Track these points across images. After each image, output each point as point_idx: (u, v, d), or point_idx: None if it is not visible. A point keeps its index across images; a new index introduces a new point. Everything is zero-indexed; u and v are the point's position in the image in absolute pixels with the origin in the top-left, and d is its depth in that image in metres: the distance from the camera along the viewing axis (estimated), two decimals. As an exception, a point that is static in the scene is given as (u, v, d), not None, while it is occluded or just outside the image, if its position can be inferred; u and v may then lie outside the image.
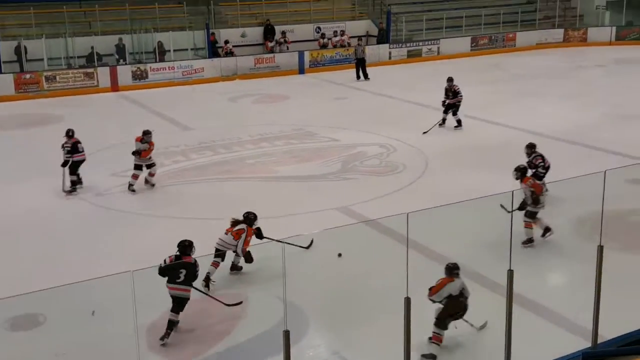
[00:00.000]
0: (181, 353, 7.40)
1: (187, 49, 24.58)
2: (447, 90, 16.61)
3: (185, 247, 7.64)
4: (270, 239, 8.42)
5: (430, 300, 6.88)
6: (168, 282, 7.45)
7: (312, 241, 9.39)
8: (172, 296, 7.46)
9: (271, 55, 25.27)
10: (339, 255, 9.10)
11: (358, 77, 23.79)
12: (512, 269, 5.95)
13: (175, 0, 25.83)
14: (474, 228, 9.61)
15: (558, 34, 30.30)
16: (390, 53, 26.93)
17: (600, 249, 6.31)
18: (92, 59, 22.86)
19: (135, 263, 5.82)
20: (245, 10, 26.78)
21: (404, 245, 5.74)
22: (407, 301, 5.64)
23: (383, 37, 27.11)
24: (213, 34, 25.05)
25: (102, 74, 22.49)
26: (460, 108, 16.51)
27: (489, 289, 7.96)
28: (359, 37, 26.36)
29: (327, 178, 13.25)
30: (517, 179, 9.81)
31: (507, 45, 29.33)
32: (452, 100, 16.48)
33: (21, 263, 9.65)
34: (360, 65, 23.85)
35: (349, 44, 26.44)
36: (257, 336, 7.56)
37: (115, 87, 22.55)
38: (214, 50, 24.85)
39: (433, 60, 27.27)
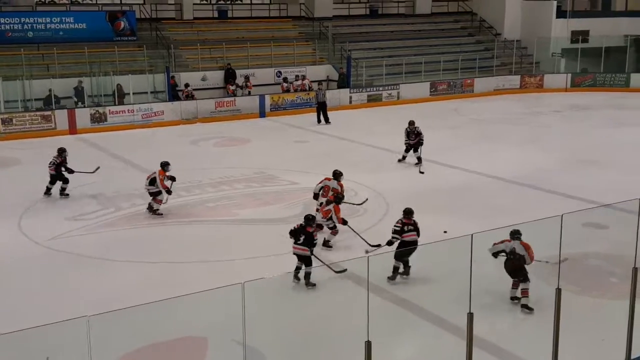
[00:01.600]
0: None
1: (146, 92, 24.51)
2: (409, 133, 17.38)
3: (309, 220, 10.18)
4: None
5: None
6: (294, 243, 9.98)
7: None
8: (295, 254, 9.97)
9: (232, 98, 25.36)
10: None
11: (319, 121, 23.99)
12: (472, 312, 5.95)
13: (135, 44, 25.87)
14: (435, 271, 9.63)
15: (515, 80, 31.10)
16: (350, 97, 27.26)
17: (558, 292, 6.36)
18: (49, 102, 22.63)
19: (92, 308, 5.67)
20: (206, 54, 26.93)
21: (364, 288, 5.71)
22: (368, 345, 5.60)
23: (343, 82, 27.48)
24: (173, 77, 25.07)
25: (60, 117, 22.25)
26: (423, 151, 16.79)
27: (450, 332, 7.94)
28: (320, 82, 26.67)
29: (288, 221, 13.17)
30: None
31: (466, 90, 29.95)
32: (414, 141, 17.25)
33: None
34: (322, 109, 24.09)
35: (310, 88, 26.70)
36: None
37: (73, 129, 22.29)
38: (174, 93, 24.84)
39: (393, 105, 27.68)
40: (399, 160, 17.70)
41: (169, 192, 13.62)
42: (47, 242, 12.01)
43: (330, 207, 11.55)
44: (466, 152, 18.33)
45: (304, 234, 9.99)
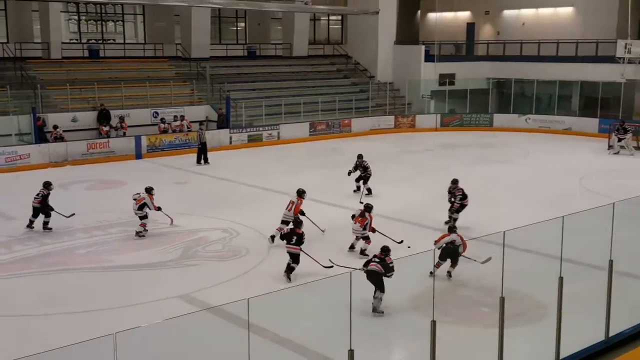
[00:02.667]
0: None
1: (10, 134, 23.33)
2: (357, 166, 18.77)
3: (298, 223, 12.40)
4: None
5: None
6: (287, 243, 11.96)
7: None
8: (288, 252, 11.93)
9: (105, 140, 24.58)
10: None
11: (199, 161, 23.76)
12: (352, 348, 6.02)
13: (-2, 84, 24.67)
14: (316, 309, 9.68)
15: (389, 120, 32.25)
16: (231, 138, 27.22)
17: (433, 323, 6.56)
18: None
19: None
20: (76, 94, 26.04)
21: (247, 330, 5.65)
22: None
23: (223, 122, 27.41)
24: (40, 118, 23.96)
25: None
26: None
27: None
28: (201, 122, 26.53)
29: (167, 265, 12.89)
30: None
31: (344, 130, 30.70)
32: (363, 174, 18.62)
33: None
34: (203, 149, 23.93)
35: (189, 129, 26.44)
36: None
37: None
38: (41, 135, 23.75)
39: (274, 145, 27.89)
40: (354, 191, 18.67)
41: (159, 209, 15.06)
42: None
43: (366, 215, 13.14)
44: (345, 190, 18.66)
45: (295, 235, 11.92)
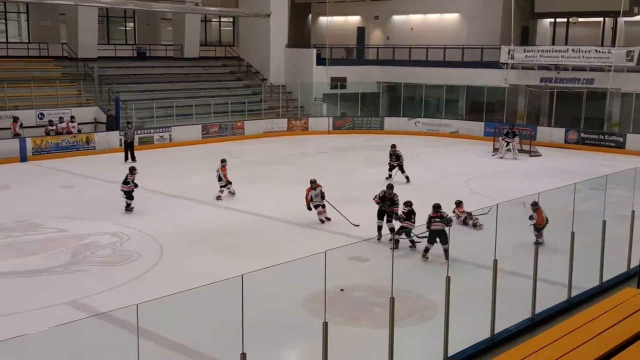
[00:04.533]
0: None
1: None
2: (391, 155, 20.72)
3: (409, 203, 13.85)
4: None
5: None
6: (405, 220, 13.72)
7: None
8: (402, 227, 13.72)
9: (-14, 142, 23.46)
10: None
11: (126, 159, 23.84)
12: (244, 352, 6.15)
13: None
14: (210, 314, 9.73)
15: (282, 123, 32.49)
16: (120, 140, 26.56)
17: (325, 325, 6.78)
18: None
19: None
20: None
21: (140, 336, 5.67)
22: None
23: (112, 124, 26.76)
24: None
25: None
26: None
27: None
28: (128, 122, 26.31)
29: (54, 271, 12.52)
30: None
31: (237, 133, 30.66)
32: (395, 162, 20.51)
33: None
34: (129, 147, 24.08)
35: (79, 131, 25.69)
36: None
37: None
38: None
39: (165, 148, 27.48)
40: (387, 178, 20.14)
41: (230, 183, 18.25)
42: None
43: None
44: (238, 193, 18.71)
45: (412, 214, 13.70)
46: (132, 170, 17.21)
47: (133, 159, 23.92)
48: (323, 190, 16.02)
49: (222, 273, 11.77)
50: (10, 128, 24.63)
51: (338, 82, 34.42)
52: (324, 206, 16.00)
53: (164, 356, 8.73)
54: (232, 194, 18.41)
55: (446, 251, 12.05)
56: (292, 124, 32.69)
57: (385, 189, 14.63)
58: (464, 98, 33.97)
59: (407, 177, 20.48)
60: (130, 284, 11.88)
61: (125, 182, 16.93)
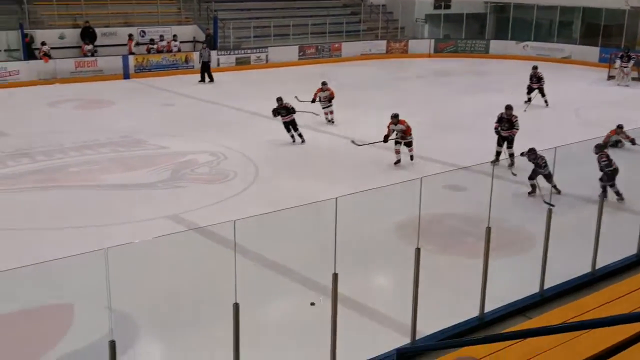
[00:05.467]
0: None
1: (0, 50, 22.99)
2: (532, 77, 20.30)
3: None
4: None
5: None
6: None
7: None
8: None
9: (93, 59, 24.27)
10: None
11: (202, 79, 23.90)
12: (336, 272, 6.19)
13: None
14: (303, 234, 9.88)
15: (381, 45, 31.81)
16: (218, 60, 26.90)
17: (418, 251, 6.74)
18: None
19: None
20: (63, 10, 25.46)
21: (234, 251, 5.80)
22: (236, 307, 5.71)
23: (210, 43, 27.03)
24: (28, 35, 23.54)
25: None
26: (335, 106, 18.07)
27: (317, 291, 8.23)
28: (204, 41, 26.41)
29: (156, 186, 13.00)
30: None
31: (334, 55, 30.34)
32: (536, 85, 20.08)
33: None
34: (205, 68, 24.07)
35: (179, 49, 26.13)
36: (83, 348, 7.29)
37: None
38: (30, 52, 23.41)
39: (261, 69, 27.61)
40: (525, 102, 19.59)
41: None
42: None
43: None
44: (334, 117, 18.65)
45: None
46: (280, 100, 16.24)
47: (210, 79, 24.09)
48: (408, 129, 14.51)
49: (315, 195, 11.92)
50: (126, 44, 25.36)
51: (442, 2, 33.06)
52: (410, 144, 14.58)
53: (258, 272, 8.97)
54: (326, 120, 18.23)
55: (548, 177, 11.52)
56: (391, 47, 31.96)
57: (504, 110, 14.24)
58: (579, 20, 31.69)
59: (546, 101, 20.01)
60: (226, 202, 12.19)
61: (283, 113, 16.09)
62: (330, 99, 17.99)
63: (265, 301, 8.37)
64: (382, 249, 10.10)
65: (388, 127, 14.51)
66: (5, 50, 23.21)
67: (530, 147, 12.22)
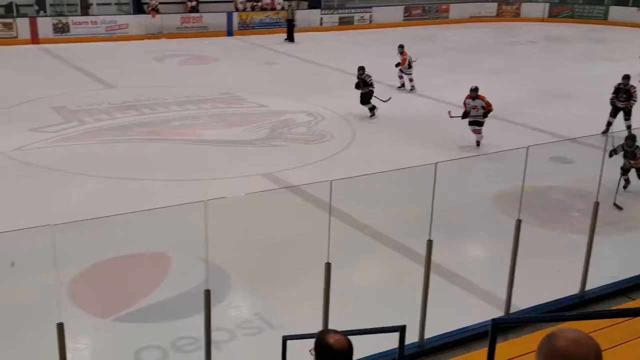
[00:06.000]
0: (102, 309, 7.28)
1: (111, 4, 23.72)
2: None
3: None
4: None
5: None
6: None
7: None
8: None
9: (198, 15, 24.66)
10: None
11: (287, 38, 23.81)
12: (431, 239, 6.02)
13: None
14: (397, 199, 9.71)
15: (491, 7, 30.68)
16: (321, 19, 26.73)
17: (518, 223, 6.44)
18: (10, 10, 21.76)
19: (56, 219, 5.59)
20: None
21: (327, 212, 5.72)
22: (328, 267, 5.65)
23: (314, 2, 26.86)
24: (137, -10, 24.20)
25: (22, 25, 21.50)
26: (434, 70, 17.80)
27: (409, 258, 8.08)
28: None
29: (253, 144, 13.12)
30: None
31: (441, 16, 29.52)
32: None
33: None
34: (289, 27, 23.85)
35: (283, 8, 26.14)
36: (178, 295, 7.49)
37: (35, 39, 21.60)
38: (139, 6, 24.04)
39: (365, 29, 27.24)
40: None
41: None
42: (10, 153, 11.80)
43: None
44: (436, 81, 18.22)
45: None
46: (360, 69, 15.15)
47: (291, 39, 23.85)
48: (488, 105, 12.90)
49: (411, 161, 11.69)
50: (229, 1, 25.66)
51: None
52: (480, 124, 12.96)
53: (352, 234, 8.90)
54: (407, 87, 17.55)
55: None
56: (502, 9, 30.75)
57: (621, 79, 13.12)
58: None
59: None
60: (321, 162, 12.15)
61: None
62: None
63: (356, 264, 8.31)
64: (480, 219, 9.80)
65: (464, 102, 13.03)
66: (115, 4, 23.91)
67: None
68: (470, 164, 10.06)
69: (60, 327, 4.55)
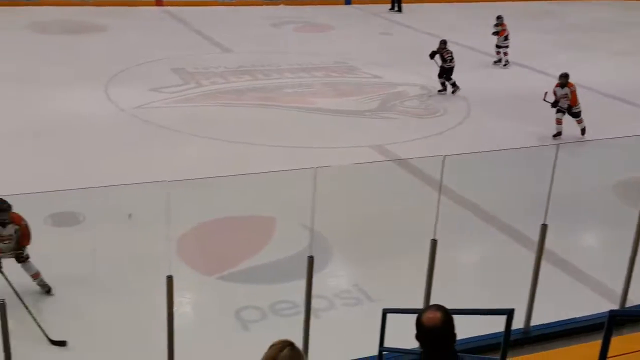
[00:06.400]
0: (207, 266, 7.51)
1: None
2: None
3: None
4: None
5: None
6: None
7: None
8: None
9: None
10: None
11: (393, 8, 23.65)
12: (546, 223, 5.76)
13: None
14: (511, 179, 9.39)
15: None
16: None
17: (641, 213, 6.07)
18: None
19: (169, 176, 5.76)
20: None
21: (434, 188, 5.59)
22: (434, 243, 5.53)
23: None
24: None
25: (147, -13, 22.22)
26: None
27: (519, 242, 7.81)
28: None
29: (364, 115, 13.03)
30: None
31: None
32: None
33: (59, 163, 9.75)
34: None
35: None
36: (280, 260, 7.61)
37: (159, 1, 22.29)
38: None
39: (484, 2, 26.29)
40: None
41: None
42: (132, 111, 12.28)
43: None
44: (556, 59, 17.34)
45: None
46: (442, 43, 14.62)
47: (398, 9, 23.45)
48: (573, 94, 11.68)
49: (528, 140, 11.24)
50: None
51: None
52: (577, 115, 11.77)
53: (460, 213, 8.68)
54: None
55: None
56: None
57: None
58: None
59: None
60: (433, 138, 11.91)
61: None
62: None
63: (462, 243, 8.11)
64: (597, 206, 9.31)
65: (553, 90, 11.87)
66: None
67: None
68: (592, 148, 9.55)
69: (170, 279, 4.69)
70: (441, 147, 10.79)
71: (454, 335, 2.96)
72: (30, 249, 6.55)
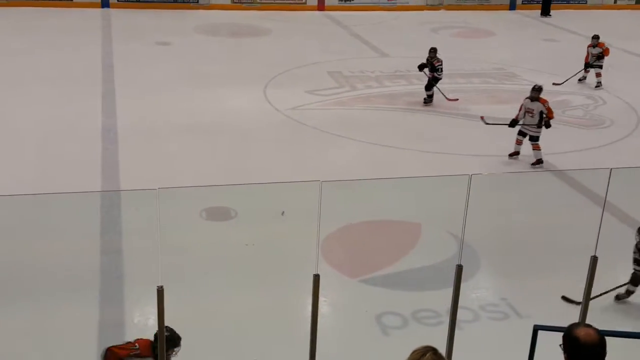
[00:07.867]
0: (350, 269, 7.53)
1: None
2: None
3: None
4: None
5: None
6: None
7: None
8: None
9: (482, -13, 24.09)
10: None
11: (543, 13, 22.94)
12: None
13: None
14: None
15: None
16: (615, -3, 24.54)
17: None
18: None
19: (321, 177, 5.82)
20: None
21: (595, 202, 5.21)
22: (594, 260, 5.14)
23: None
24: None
25: (310, -8, 22.76)
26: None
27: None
28: None
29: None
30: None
31: None
32: None
33: (215, 159, 10.17)
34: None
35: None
36: (425, 267, 7.49)
37: (321, 6, 22.75)
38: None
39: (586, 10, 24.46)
40: None
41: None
42: (287, 111, 12.59)
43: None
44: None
45: None
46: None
47: (547, 13, 22.46)
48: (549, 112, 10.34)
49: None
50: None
51: None
52: (530, 137, 10.49)
53: (617, 227, 8.07)
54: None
55: None
56: None
57: None
58: None
59: None
60: (597, 150, 11.21)
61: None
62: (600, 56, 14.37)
63: (624, 262, 7.53)
64: None
65: (521, 105, 10.63)
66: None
67: None
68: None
69: (316, 278, 4.69)
70: (605, 160, 10.14)
71: (605, 355, 2.81)
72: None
